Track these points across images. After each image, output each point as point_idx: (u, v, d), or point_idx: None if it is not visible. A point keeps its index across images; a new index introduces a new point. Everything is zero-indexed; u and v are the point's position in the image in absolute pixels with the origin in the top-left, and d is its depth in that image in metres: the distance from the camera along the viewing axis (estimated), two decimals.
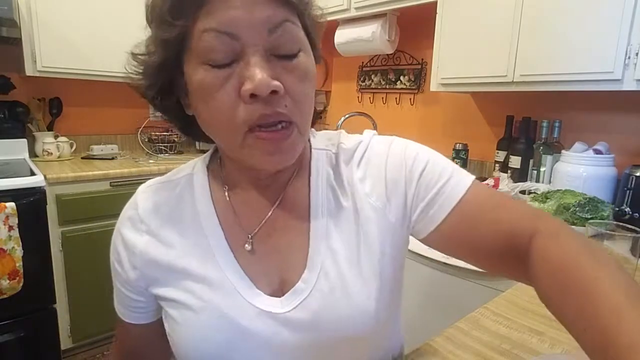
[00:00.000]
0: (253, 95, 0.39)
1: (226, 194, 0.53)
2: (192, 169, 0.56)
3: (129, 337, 0.61)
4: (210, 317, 0.48)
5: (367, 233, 0.51)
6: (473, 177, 0.51)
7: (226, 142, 0.45)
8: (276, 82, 0.40)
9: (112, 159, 2.25)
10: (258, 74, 0.39)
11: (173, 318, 0.50)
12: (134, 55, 0.47)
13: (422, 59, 2.14)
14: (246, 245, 0.51)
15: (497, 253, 0.47)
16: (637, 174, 1.24)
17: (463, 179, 0.50)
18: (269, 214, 0.52)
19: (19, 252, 1.54)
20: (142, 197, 0.55)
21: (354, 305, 0.48)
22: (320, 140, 0.57)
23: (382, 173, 0.52)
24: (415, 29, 2.08)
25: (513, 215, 0.47)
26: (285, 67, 0.41)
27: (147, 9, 0.44)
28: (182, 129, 0.54)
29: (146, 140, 2.53)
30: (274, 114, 0.41)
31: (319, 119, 0.57)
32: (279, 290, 0.50)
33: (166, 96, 0.48)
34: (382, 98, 2.38)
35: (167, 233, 0.52)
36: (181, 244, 0.51)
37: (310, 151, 0.55)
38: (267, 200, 0.52)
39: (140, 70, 0.47)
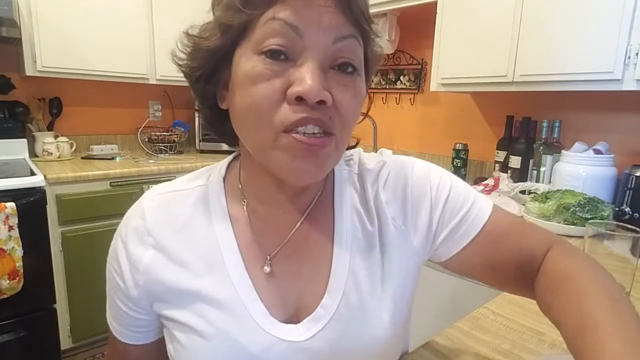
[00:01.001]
0: (299, 99, 0.38)
1: (245, 209, 0.50)
2: (207, 180, 0.52)
3: (124, 358, 0.55)
4: (222, 344, 0.45)
5: (390, 259, 0.50)
6: (492, 202, 0.53)
7: (257, 140, 0.42)
8: (326, 93, 0.38)
9: (112, 159, 2.25)
10: (309, 79, 0.37)
11: (179, 342, 0.47)
12: (188, 35, 0.45)
13: (422, 59, 2.14)
14: (265, 267, 0.48)
15: (513, 275, 0.51)
16: (637, 174, 1.24)
17: (485, 205, 0.52)
18: (290, 234, 0.49)
19: (19, 252, 1.54)
20: (151, 206, 0.50)
21: (373, 334, 0.48)
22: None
23: (408, 196, 0.52)
24: (415, 29, 2.08)
25: (532, 241, 0.51)
26: (339, 82, 0.40)
27: None
28: (210, 122, 0.50)
29: (146, 140, 2.53)
30: (317, 121, 0.39)
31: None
32: (294, 315, 0.48)
33: (208, 82, 0.46)
34: (382, 98, 2.38)
35: (178, 249, 0.48)
36: (194, 263, 0.47)
37: (333, 171, 0.53)
38: (289, 220, 0.50)
39: (189, 51, 0.45)
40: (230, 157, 0.55)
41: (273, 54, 0.39)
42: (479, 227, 0.50)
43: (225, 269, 0.47)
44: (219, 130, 0.51)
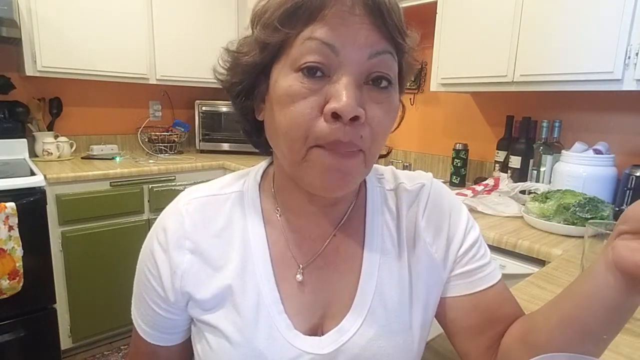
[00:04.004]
0: (335, 115, 0.39)
1: (279, 218, 0.51)
2: (242, 186, 0.53)
3: (152, 358, 0.55)
4: (246, 353, 0.46)
5: (418, 281, 0.51)
6: (501, 273, 0.54)
7: (289, 154, 0.42)
8: (360, 109, 0.39)
9: (112, 159, 2.25)
10: (345, 96, 0.38)
11: (209, 343, 0.48)
12: (228, 51, 0.47)
13: (422, 59, 2.14)
14: (298, 276, 0.49)
15: (489, 342, 0.51)
16: (637, 174, 1.24)
17: (497, 270, 0.53)
18: (324, 246, 0.50)
19: (19, 252, 1.54)
20: (188, 209, 0.50)
21: (396, 351, 0.48)
22: (371, 174, 0.55)
23: (445, 227, 0.52)
24: (415, 28, 2.08)
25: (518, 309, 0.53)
26: (373, 98, 0.41)
27: (256, 12, 0.43)
28: (248, 132, 0.52)
29: (146, 140, 2.53)
30: (349, 144, 0.40)
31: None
32: (318, 325, 0.48)
33: (248, 97, 0.47)
34: None
35: (214, 254, 0.48)
36: (228, 268, 0.48)
37: (365, 186, 0.54)
38: (322, 231, 0.51)
39: (229, 66, 0.47)
40: (264, 164, 0.55)
41: (310, 71, 0.39)
42: (485, 285, 0.51)
43: (255, 278, 0.48)
44: (255, 141, 0.52)
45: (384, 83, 0.41)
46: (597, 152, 1.37)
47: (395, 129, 0.48)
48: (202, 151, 2.62)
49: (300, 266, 0.49)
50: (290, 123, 0.40)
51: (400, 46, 0.42)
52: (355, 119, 0.39)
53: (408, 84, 0.51)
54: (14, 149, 2.07)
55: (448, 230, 0.52)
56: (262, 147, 0.52)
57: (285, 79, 0.41)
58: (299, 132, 0.40)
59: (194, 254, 0.48)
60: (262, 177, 0.54)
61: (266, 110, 0.45)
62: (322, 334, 0.48)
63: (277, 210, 0.51)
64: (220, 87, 0.50)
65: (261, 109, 0.47)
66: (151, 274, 0.50)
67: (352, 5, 0.39)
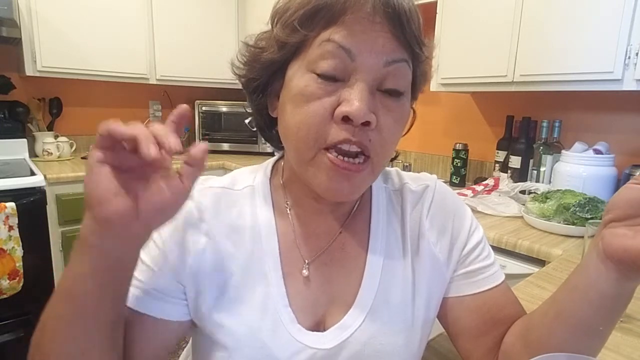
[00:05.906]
0: (346, 119, 0.40)
1: (289, 211, 0.51)
2: (253, 181, 0.53)
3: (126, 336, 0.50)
4: (251, 345, 0.46)
5: (421, 281, 0.51)
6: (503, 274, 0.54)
7: (297, 154, 0.44)
8: (372, 115, 0.40)
9: None
10: (358, 101, 0.39)
11: (211, 337, 0.47)
12: (247, 45, 0.47)
13: None
14: (303, 271, 0.49)
15: (491, 343, 0.50)
16: (637, 174, 1.24)
17: (501, 272, 0.53)
18: (330, 242, 0.51)
19: (19, 252, 1.54)
20: (204, 198, 0.49)
21: (397, 350, 0.49)
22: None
23: (449, 228, 0.53)
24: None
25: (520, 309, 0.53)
26: (385, 105, 0.42)
27: (277, 9, 0.44)
28: (261, 127, 0.53)
29: None
30: (357, 143, 0.41)
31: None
32: (321, 321, 0.49)
33: (263, 93, 0.48)
34: None
35: (226, 243, 0.48)
36: (237, 260, 0.48)
37: (371, 185, 0.54)
38: (328, 228, 0.51)
39: (246, 61, 0.48)
40: (275, 158, 0.56)
41: (324, 74, 0.40)
42: (489, 285, 0.51)
43: (264, 270, 0.48)
44: (267, 135, 0.53)
45: (397, 91, 0.42)
46: (597, 152, 1.37)
47: (404, 134, 0.49)
48: None
49: (306, 261, 0.50)
50: (301, 123, 0.41)
51: (417, 55, 0.43)
52: (366, 124, 0.40)
53: None
54: (14, 149, 2.07)
55: (452, 231, 0.53)
56: (274, 142, 0.53)
57: (301, 79, 0.42)
58: (309, 133, 0.41)
59: (209, 237, 0.48)
60: (271, 171, 0.55)
61: (279, 107, 0.46)
62: (325, 330, 0.48)
63: (287, 204, 0.52)
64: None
65: (275, 106, 0.48)
66: (155, 242, 0.47)
67: (373, 13, 0.39)
